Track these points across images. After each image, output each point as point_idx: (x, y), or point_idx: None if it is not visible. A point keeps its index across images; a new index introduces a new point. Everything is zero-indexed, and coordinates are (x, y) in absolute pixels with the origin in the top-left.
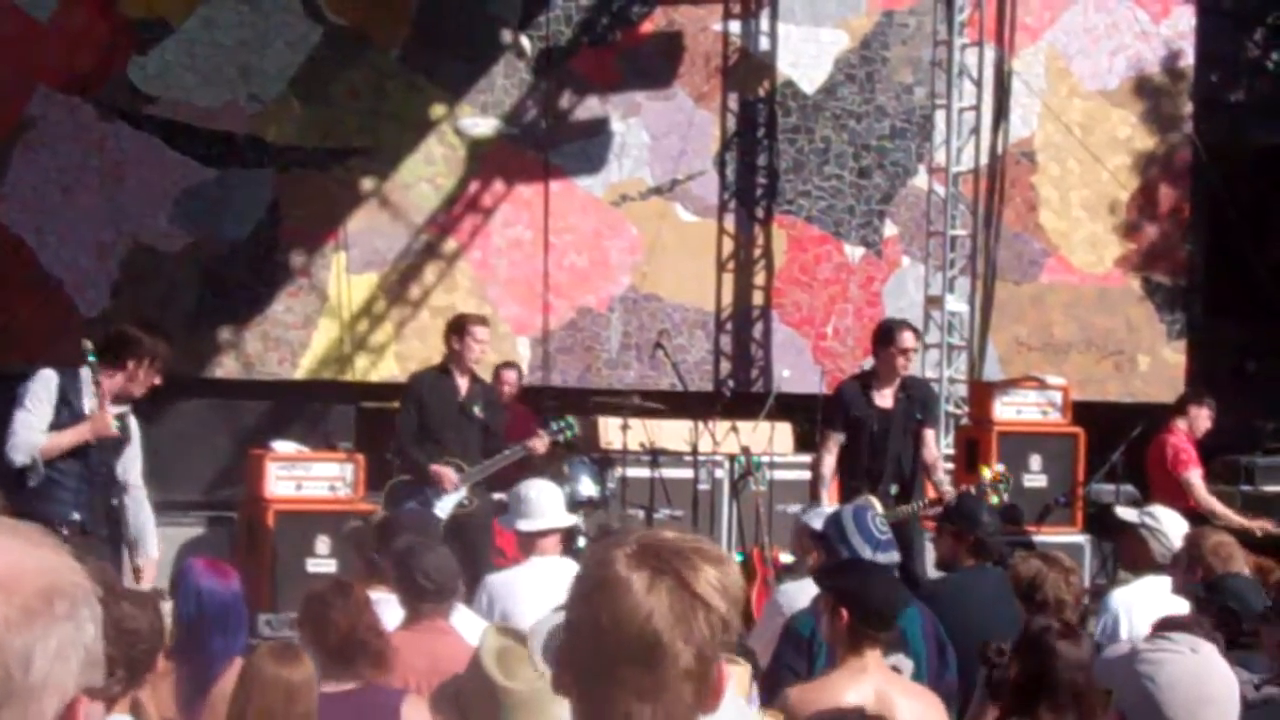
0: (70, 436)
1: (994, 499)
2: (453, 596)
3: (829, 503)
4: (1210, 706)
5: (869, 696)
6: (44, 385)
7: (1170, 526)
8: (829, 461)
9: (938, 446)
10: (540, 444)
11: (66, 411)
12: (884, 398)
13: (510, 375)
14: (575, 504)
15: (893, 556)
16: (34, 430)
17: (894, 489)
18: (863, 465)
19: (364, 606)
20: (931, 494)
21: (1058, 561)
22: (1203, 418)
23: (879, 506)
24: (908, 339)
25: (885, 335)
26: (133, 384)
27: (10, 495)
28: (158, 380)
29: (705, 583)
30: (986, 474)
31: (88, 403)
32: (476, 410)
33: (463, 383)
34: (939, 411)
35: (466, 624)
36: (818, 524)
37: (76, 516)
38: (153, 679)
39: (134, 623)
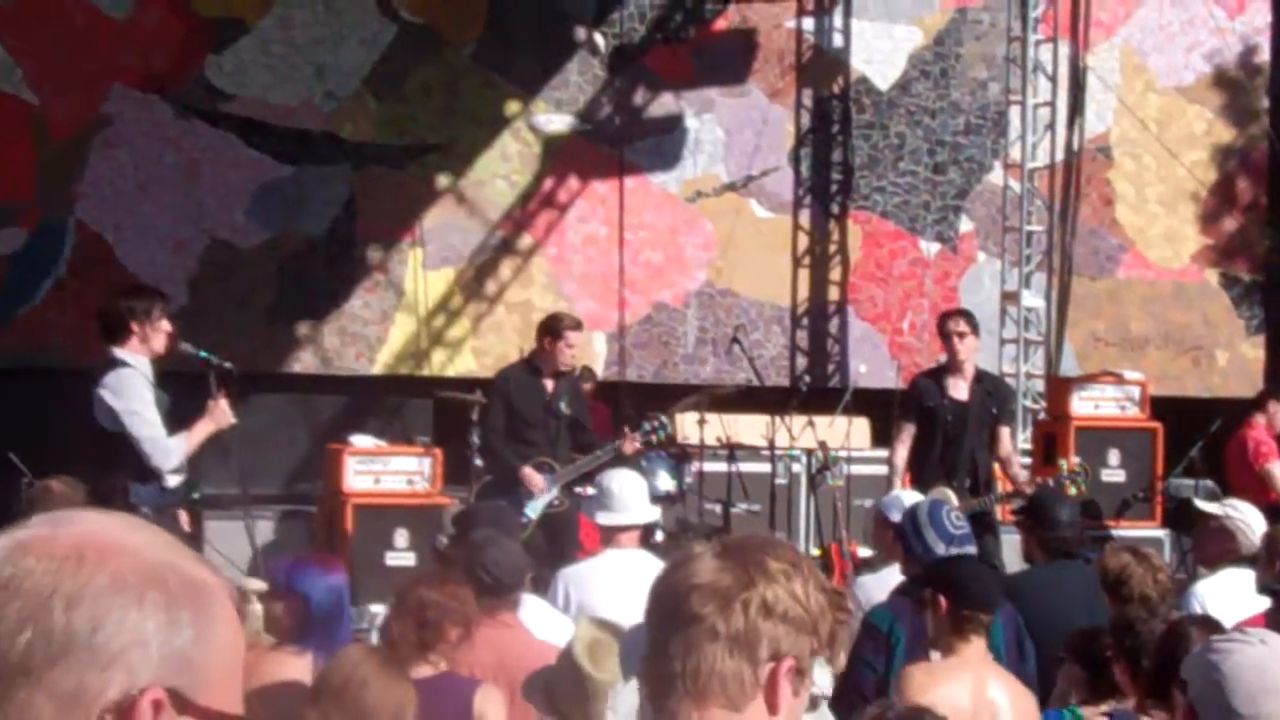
0: (200, 434)
1: (1072, 490)
2: (515, 592)
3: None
4: (1273, 697)
5: (968, 685)
6: (143, 382)
7: (1252, 520)
8: (901, 453)
9: (1014, 441)
10: (631, 445)
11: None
12: (959, 389)
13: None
14: (653, 499)
15: (967, 551)
16: (164, 435)
17: (967, 481)
18: (936, 457)
19: (453, 597)
20: (1008, 486)
21: (1146, 556)
22: None
23: (953, 499)
24: (953, 323)
25: (939, 325)
26: (151, 344)
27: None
28: (168, 326)
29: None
30: (1064, 466)
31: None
32: (564, 407)
33: (549, 381)
34: (1015, 407)
35: (541, 616)
36: (895, 515)
37: (197, 496)
38: (252, 662)
39: None
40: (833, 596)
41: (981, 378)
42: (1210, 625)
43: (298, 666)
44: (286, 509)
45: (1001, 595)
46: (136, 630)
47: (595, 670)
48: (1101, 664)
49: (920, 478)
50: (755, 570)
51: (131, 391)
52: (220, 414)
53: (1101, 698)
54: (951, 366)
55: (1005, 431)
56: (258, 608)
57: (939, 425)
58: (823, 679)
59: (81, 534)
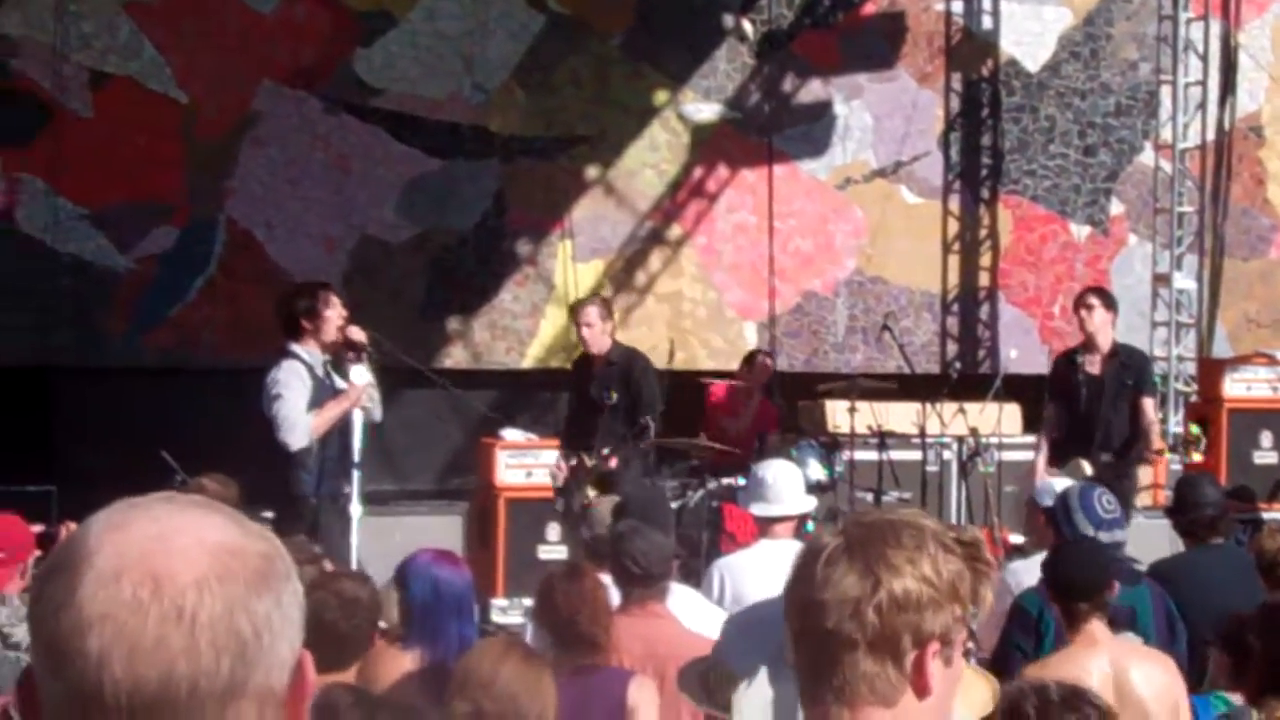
0: (332, 412)
1: (1195, 456)
2: (663, 580)
3: (1041, 470)
4: None
5: (1104, 668)
6: (302, 370)
7: None
8: (1047, 432)
9: (1155, 412)
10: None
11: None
12: (1094, 364)
13: (766, 361)
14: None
15: (1115, 535)
16: (301, 413)
17: (1104, 456)
18: (1075, 432)
19: (590, 593)
20: (1148, 453)
21: None
22: None
23: (1088, 470)
24: (1084, 298)
25: (1074, 303)
26: (324, 334)
27: None
28: (342, 312)
29: (895, 564)
30: (1184, 435)
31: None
32: (607, 393)
33: (596, 367)
34: (1153, 378)
35: (691, 606)
36: (1047, 500)
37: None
38: (374, 656)
39: (353, 593)
40: (968, 549)
41: (1117, 351)
42: None
43: (402, 659)
44: (441, 503)
45: (1103, 581)
46: (286, 609)
47: None
48: (1247, 650)
49: (1060, 452)
50: (879, 567)
51: (286, 376)
52: (354, 393)
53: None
54: (1086, 342)
55: (1148, 402)
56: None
57: (1076, 401)
58: None
59: (194, 542)
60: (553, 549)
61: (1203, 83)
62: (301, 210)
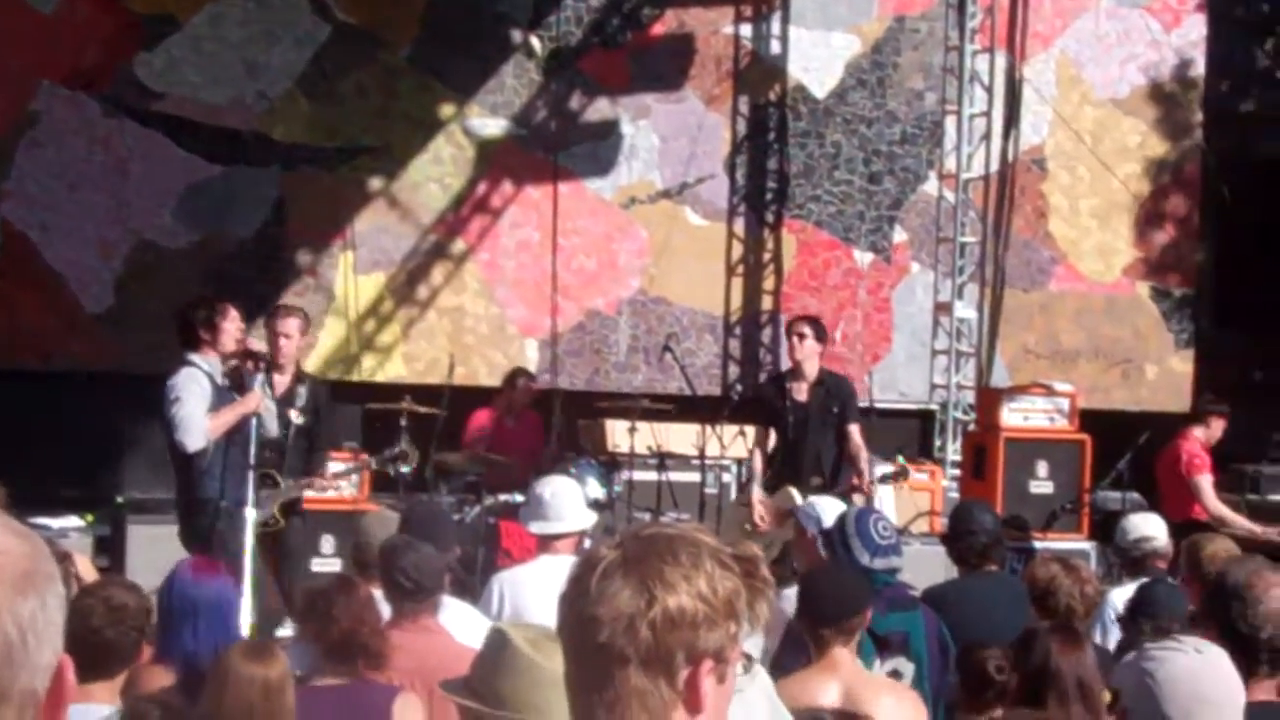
0: (227, 415)
1: (898, 482)
2: (434, 595)
3: (759, 495)
4: (1207, 706)
5: (835, 694)
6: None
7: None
8: (758, 456)
9: (860, 438)
10: (366, 469)
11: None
12: (801, 391)
13: (530, 384)
14: None
15: (891, 561)
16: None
17: (814, 480)
18: (783, 459)
19: (366, 604)
20: (854, 481)
21: (1075, 568)
22: (1219, 428)
23: (798, 497)
24: (796, 326)
25: (786, 328)
26: (222, 345)
27: None
28: (240, 324)
29: (670, 581)
30: (890, 468)
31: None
32: (293, 416)
33: (281, 380)
34: (857, 405)
35: (466, 621)
36: (809, 525)
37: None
38: (142, 666)
39: (121, 600)
40: (745, 566)
41: (823, 379)
42: (1068, 632)
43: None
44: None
45: (849, 609)
46: (51, 614)
47: (545, 659)
48: (980, 677)
49: (772, 478)
50: (655, 583)
51: (183, 382)
52: (252, 400)
53: (980, 710)
54: (794, 369)
55: (854, 429)
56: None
57: (784, 426)
58: (749, 644)
59: None
60: (327, 562)
61: (987, 114)
62: (78, 213)
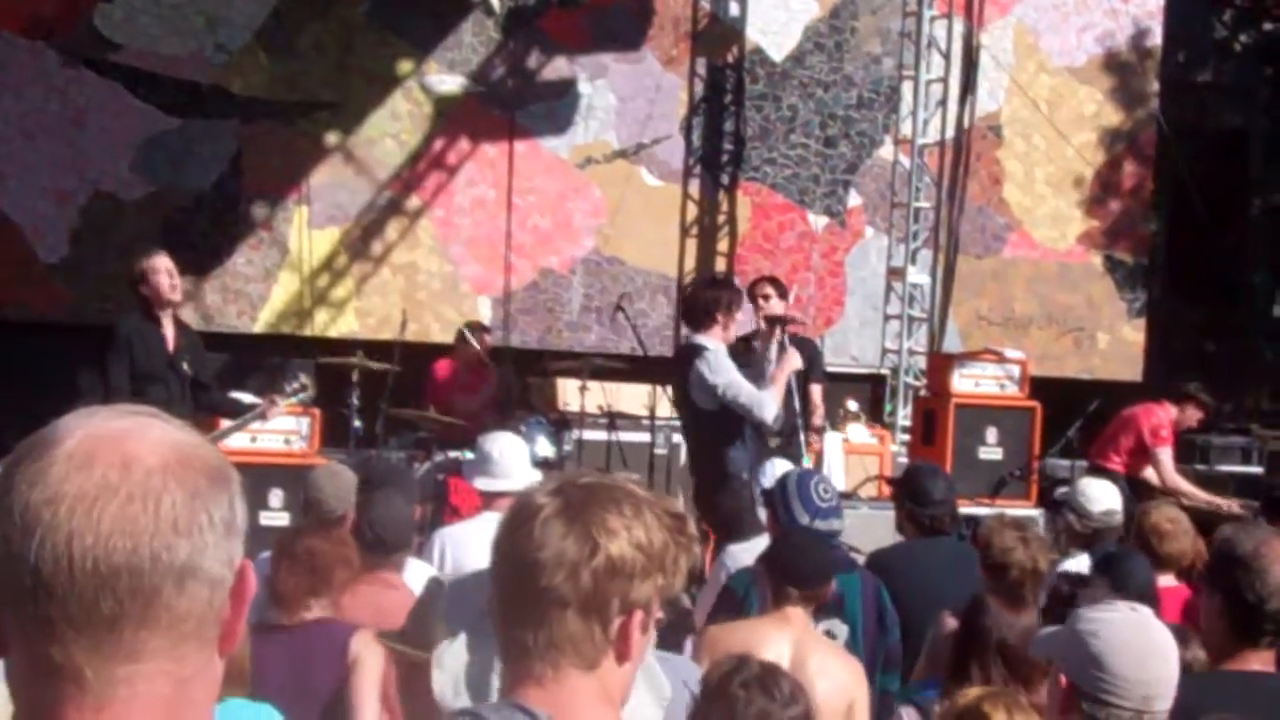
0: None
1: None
2: (400, 550)
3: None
4: (1156, 658)
5: (784, 648)
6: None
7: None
8: None
9: (819, 398)
10: (274, 410)
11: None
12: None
13: (486, 338)
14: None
15: (832, 524)
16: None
17: (774, 441)
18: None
19: (341, 541)
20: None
21: (1028, 540)
22: (1193, 418)
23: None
24: (759, 286)
25: (748, 290)
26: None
27: None
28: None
29: (613, 529)
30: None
31: None
32: (185, 365)
33: (169, 333)
34: (822, 365)
35: (423, 579)
36: (766, 483)
37: None
38: None
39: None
40: (674, 522)
41: (793, 341)
42: (1016, 599)
43: None
44: None
45: (822, 577)
46: (232, 519)
47: None
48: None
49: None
50: (598, 531)
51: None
52: None
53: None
54: (759, 331)
55: (816, 389)
56: None
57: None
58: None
59: (160, 435)
60: (275, 516)
61: (944, 80)
62: (34, 163)
